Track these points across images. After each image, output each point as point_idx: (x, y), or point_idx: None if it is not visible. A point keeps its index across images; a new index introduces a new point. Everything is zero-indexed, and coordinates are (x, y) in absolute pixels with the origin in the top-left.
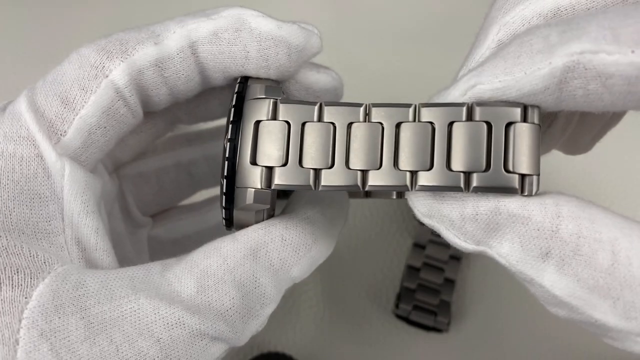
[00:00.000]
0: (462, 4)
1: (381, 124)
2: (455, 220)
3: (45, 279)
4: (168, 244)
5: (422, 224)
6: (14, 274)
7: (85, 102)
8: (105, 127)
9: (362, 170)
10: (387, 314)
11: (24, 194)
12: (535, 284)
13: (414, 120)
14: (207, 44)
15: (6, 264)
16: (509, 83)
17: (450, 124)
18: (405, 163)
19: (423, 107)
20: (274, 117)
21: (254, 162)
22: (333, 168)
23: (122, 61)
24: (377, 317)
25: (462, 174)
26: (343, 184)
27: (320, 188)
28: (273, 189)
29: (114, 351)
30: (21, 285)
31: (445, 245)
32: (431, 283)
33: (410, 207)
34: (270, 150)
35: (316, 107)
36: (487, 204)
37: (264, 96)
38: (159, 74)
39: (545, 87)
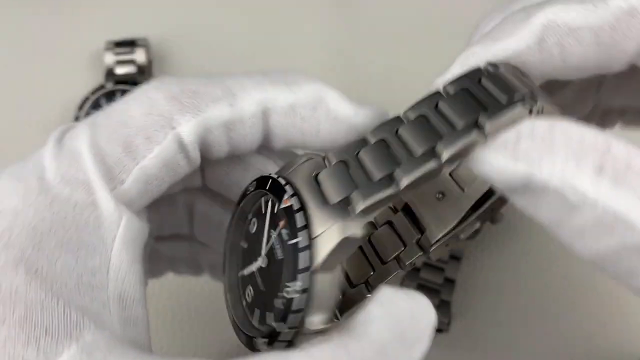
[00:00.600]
0: (462, 4)
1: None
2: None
3: (71, 348)
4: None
5: None
6: (42, 336)
7: (148, 152)
8: (163, 179)
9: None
10: None
11: (72, 242)
12: (585, 204)
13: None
14: (282, 115)
15: (37, 321)
16: (497, 48)
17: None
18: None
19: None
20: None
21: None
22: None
23: (193, 117)
24: None
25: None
26: (422, 171)
27: (402, 182)
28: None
29: None
30: (45, 351)
31: (445, 245)
32: (431, 283)
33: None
34: (335, 185)
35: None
36: (543, 123)
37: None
38: (226, 134)
39: (527, 45)
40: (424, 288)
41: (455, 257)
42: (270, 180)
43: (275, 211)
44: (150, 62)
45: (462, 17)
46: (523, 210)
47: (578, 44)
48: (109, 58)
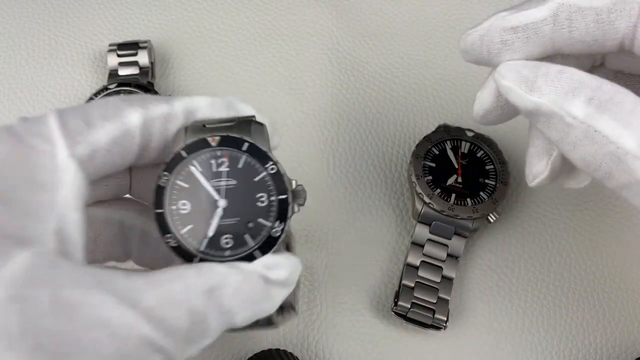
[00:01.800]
0: (462, 5)
1: None
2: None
3: (25, 252)
4: None
5: (420, 222)
6: (2, 237)
7: (102, 127)
8: (109, 150)
9: None
10: (385, 311)
11: (30, 179)
12: (578, 122)
13: None
14: (205, 110)
15: None
16: (521, 14)
17: None
18: None
19: None
20: None
21: None
22: None
23: (141, 108)
24: (376, 314)
25: None
26: None
27: None
28: None
29: (72, 331)
30: (4, 250)
31: (443, 244)
32: (429, 281)
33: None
34: None
35: None
36: (556, 67)
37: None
38: (164, 125)
39: (544, 17)
40: (423, 286)
41: (453, 256)
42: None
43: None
44: (152, 64)
45: (462, 17)
46: (540, 130)
47: (582, 19)
48: (112, 60)
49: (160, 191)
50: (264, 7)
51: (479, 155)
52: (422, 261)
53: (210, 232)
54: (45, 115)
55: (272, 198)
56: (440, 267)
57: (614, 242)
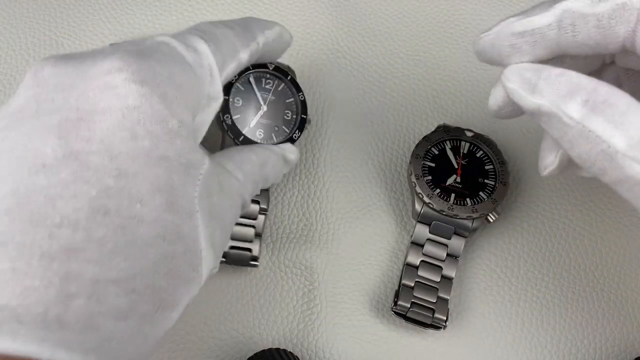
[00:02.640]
0: (463, 5)
1: None
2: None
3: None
4: None
5: (420, 222)
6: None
7: (230, 65)
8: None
9: None
10: (385, 311)
11: (201, 92)
12: (574, 122)
13: None
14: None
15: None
16: (527, 19)
17: None
18: None
19: None
20: None
21: None
22: None
23: (247, 49)
24: (376, 314)
25: None
26: None
27: None
28: None
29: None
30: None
31: (442, 243)
32: (429, 281)
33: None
34: None
35: None
36: (556, 70)
37: None
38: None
39: (549, 23)
40: (422, 285)
41: (452, 256)
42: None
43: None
44: None
45: (462, 17)
46: (544, 127)
47: (585, 24)
48: None
49: (229, 85)
50: (264, 7)
51: (478, 155)
52: (422, 261)
53: (252, 124)
54: (199, 46)
55: (295, 116)
56: (440, 267)
57: (614, 242)
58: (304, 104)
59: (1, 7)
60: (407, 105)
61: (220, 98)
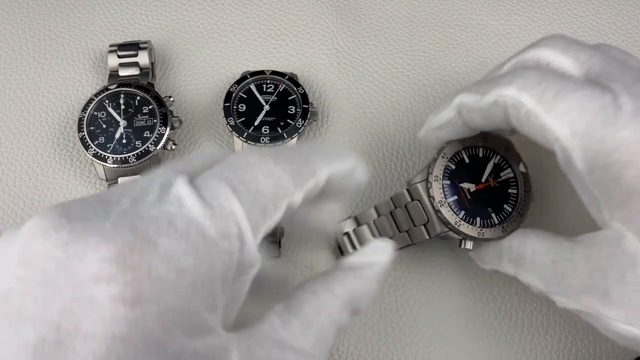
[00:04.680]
0: (463, 4)
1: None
2: None
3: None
4: None
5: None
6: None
7: (274, 215)
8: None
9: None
10: (385, 311)
11: (228, 280)
12: (516, 276)
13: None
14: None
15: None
16: (437, 117)
17: None
18: None
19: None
20: None
21: None
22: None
23: (302, 188)
24: (376, 314)
25: None
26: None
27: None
28: None
29: None
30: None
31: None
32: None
33: None
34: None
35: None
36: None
37: None
38: (305, 197)
39: (453, 115)
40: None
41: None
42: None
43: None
44: (153, 65)
45: (462, 17)
46: (514, 123)
47: (476, 115)
48: (113, 60)
49: (229, 95)
50: (264, 7)
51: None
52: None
53: (257, 122)
54: (229, 205)
55: (298, 109)
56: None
57: None
58: (304, 96)
59: (1, 7)
60: (407, 105)
61: (257, 263)
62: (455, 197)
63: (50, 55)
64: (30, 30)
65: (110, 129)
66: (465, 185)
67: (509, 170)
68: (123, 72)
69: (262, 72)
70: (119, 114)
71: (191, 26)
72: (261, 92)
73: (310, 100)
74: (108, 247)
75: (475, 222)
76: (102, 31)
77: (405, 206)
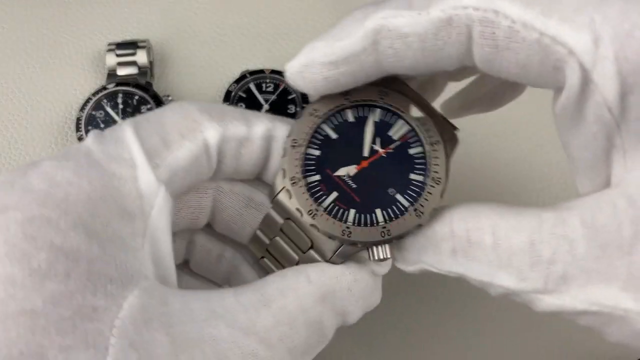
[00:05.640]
0: None
1: None
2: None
3: (134, 291)
4: None
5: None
6: (108, 283)
7: (180, 146)
8: (187, 171)
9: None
10: (385, 311)
11: (118, 209)
12: (463, 276)
13: None
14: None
15: (100, 272)
16: (337, 46)
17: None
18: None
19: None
20: None
21: None
22: None
23: (219, 125)
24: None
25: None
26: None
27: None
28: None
29: None
30: (114, 294)
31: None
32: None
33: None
34: None
35: None
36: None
37: None
38: (237, 149)
39: (363, 47)
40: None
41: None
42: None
43: None
44: (151, 64)
45: None
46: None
47: (408, 48)
48: (111, 59)
49: (228, 94)
50: (264, 7)
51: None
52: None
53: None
54: (121, 133)
55: (298, 108)
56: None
57: None
58: (304, 95)
59: (1, 7)
60: None
61: (158, 193)
62: (335, 195)
63: (48, 53)
64: (27, 29)
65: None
66: (341, 171)
67: (401, 122)
68: (121, 71)
69: (261, 71)
70: (117, 113)
71: (190, 24)
72: (261, 92)
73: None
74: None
75: (375, 218)
76: (100, 30)
77: (282, 230)
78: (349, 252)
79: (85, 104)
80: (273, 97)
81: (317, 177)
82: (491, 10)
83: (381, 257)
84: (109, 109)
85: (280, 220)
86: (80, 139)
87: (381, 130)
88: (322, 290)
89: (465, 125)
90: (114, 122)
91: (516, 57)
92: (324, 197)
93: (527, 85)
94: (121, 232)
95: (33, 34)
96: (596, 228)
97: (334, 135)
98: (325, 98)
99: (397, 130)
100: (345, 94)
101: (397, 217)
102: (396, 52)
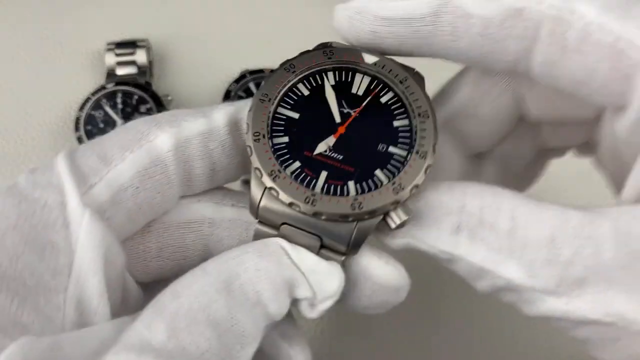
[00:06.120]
0: None
1: None
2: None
3: (19, 340)
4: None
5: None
6: None
7: (122, 160)
8: (137, 187)
9: None
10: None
11: (38, 240)
12: (455, 259)
13: None
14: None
15: None
16: (396, 6)
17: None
18: None
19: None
20: None
21: None
22: None
23: (170, 127)
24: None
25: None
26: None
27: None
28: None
29: None
30: None
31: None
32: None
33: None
34: None
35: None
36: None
37: None
38: (204, 144)
39: (422, 15)
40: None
41: None
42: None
43: None
44: (151, 63)
45: None
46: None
47: (468, 29)
48: (110, 59)
49: (227, 94)
50: (264, 6)
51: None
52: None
53: None
54: (54, 160)
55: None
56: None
57: None
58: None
59: (0, 7)
60: None
61: (83, 215)
62: (325, 174)
63: (47, 53)
64: (27, 29)
65: (107, 129)
66: (320, 147)
67: (360, 75)
68: (120, 71)
69: (261, 71)
70: (116, 113)
71: (189, 24)
72: None
73: None
74: None
75: (379, 180)
76: (99, 29)
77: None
78: (366, 230)
79: (84, 104)
80: None
81: (297, 164)
82: (567, 10)
83: (403, 219)
84: (108, 109)
85: (273, 231)
86: (79, 138)
87: (343, 91)
88: (222, 278)
89: None
90: (113, 121)
91: (585, 61)
92: (314, 181)
93: (583, 99)
94: (35, 268)
95: (33, 33)
96: (630, 236)
97: (295, 115)
98: (271, 79)
99: (359, 85)
100: (289, 69)
101: (400, 170)
102: (454, 31)
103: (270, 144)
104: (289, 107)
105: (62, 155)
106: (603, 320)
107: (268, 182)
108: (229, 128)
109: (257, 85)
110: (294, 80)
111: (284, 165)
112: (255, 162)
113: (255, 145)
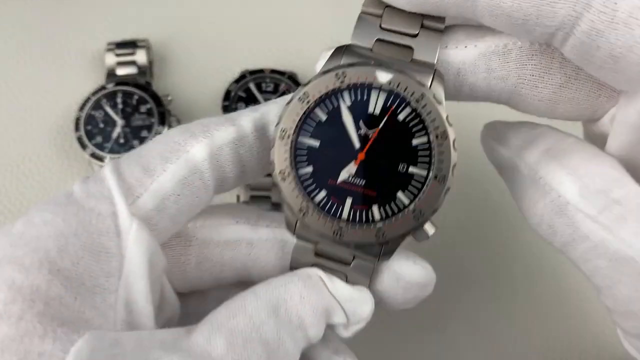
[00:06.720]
0: None
1: None
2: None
3: (85, 335)
4: None
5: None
6: (59, 326)
7: (163, 170)
8: (178, 195)
9: None
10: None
11: (94, 246)
12: (531, 178)
13: None
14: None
15: (54, 315)
16: None
17: None
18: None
19: None
20: None
21: None
22: None
23: (204, 137)
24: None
25: None
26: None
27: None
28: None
29: None
30: (62, 339)
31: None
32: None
33: None
34: None
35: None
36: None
37: None
38: (235, 151)
39: None
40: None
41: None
42: None
43: None
44: (151, 63)
45: None
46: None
47: None
48: (110, 59)
49: (227, 94)
50: (264, 6)
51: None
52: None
53: None
54: (102, 171)
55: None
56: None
57: None
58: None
59: (1, 7)
60: None
61: (131, 226)
62: (350, 200)
63: (47, 53)
64: (27, 29)
65: (107, 129)
66: (342, 175)
67: (375, 93)
68: (120, 71)
69: (261, 71)
70: (116, 113)
71: (189, 24)
72: (260, 91)
73: None
74: None
75: (401, 203)
76: (99, 29)
77: (317, 254)
78: (393, 248)
79: (84, 104)
80: (273, 96)
81: (324, 194)
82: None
83: (431, 233)
84: (108, 109)
85: (310, 245)
86: (79, 138)
87: (360, 111)
88: (271, 303)
89: (466, 125)
90: (113, 121)
91: (630, 33)
92: (340, 208)
93: (606, 79)
94: (93, 270)
95: (33, 34)
96: None
97: (316, 144)
98: (287, 112)
99: (375, 103)
100: (303, 99)
101: (420, 190)
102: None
103: (296, 174)
104: (308, 134)
105: (110, 169)
106: (636, 259)
107: (298, 216)
108: (256, 133)
109: (257, 85)
110: (311, 107)
111: (311, 195)
112: (284, 199)
113: (282, 184)
